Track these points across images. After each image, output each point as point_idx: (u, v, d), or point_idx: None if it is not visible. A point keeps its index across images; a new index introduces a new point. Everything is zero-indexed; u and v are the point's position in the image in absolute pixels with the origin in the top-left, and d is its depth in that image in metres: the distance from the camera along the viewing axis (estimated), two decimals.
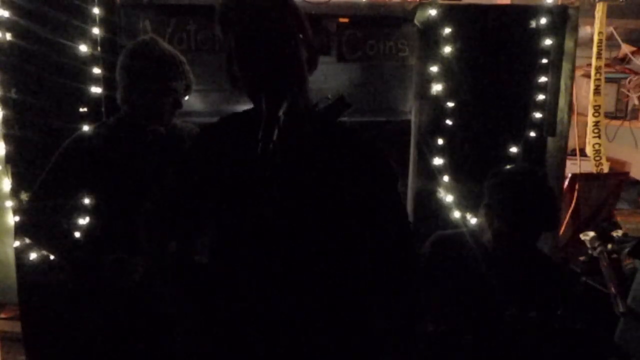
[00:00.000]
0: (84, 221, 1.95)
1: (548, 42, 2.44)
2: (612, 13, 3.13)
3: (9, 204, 2.22)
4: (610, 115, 3.50)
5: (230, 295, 1.34)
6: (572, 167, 3.11)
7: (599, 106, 3.15)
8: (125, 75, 1.81)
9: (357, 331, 1.36)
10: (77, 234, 1.94)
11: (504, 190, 1.79)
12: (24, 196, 2.11)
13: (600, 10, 3.02)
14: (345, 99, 1.34)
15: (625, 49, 3.45)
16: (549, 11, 2.42)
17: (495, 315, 1.75)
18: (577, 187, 2.93)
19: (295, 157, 1.26)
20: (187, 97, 1.92)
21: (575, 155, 3.19)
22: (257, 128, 1.17)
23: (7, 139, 2.18)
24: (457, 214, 2.39)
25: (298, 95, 1.25)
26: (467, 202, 2.35)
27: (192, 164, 1.40)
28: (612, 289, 2.15)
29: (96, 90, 2.16)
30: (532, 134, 2.49)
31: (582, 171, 3.13)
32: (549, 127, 2.52)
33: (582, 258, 2.58)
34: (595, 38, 3.07)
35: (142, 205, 1.46)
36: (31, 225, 1.87)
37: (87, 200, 1.89)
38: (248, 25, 1.19)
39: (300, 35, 1.24)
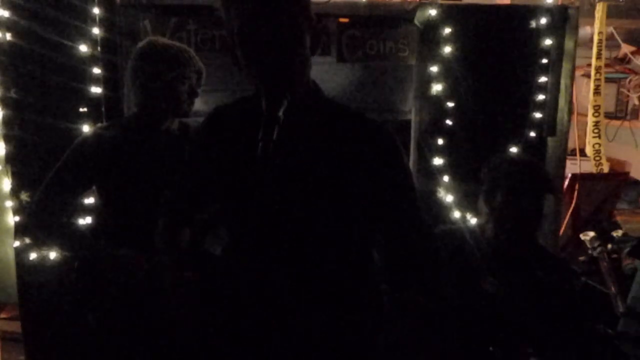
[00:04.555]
0: (93, 218, 1.96)
1: (548, 42, 2.44)
2: (612, 13, 3.13)
3: (9, 204, 2.23)
4: (610, 115, 3.51)
5: (237, 288, 1.34)
6: (572, 167, 3.11)
7: (599, 106, 3.16)
8: (139, 74, 1.85)
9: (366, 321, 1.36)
10: (86, 231, 1.95)
11: (498, 170, 1.86)
12: (24, 196, 2.11)
13: (600, 10, 3.02)
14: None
15: (625, 49, 3.46)
16: (549, 11, 2.42)
17: (497, 307, 1.77)
18: (577, 187, 2.93)
19: (297, 154, 1.26)
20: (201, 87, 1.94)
21: (575, 155, 3.19)
22: (254, 119, 1.17)
23: (7, 139, 2.18)
24: (457, 214, 2.39)
25: (300, 83, 1.24)
26: (467, 202, 2.35)
27: (198, 151, 1.41)
28: (612, 289, 2.15)
29: (96, 90, 2.16)
30: (532, 134, 2.49)
31: (582, 171, 3.13)
32: (549, 127, 2.51)
33: (582, 258, 2.58)
34: (595, 38, 3.08)
35: (154, 203, 1.48)
36: (41, 222, 1.87)
37: (97, 198, 1.91)
38: (252, 7, 1.18)
39: (304, 20, 1.21)
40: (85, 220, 1.97)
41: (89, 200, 1.98)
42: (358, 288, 1.36)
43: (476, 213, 2.03)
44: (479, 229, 1.93)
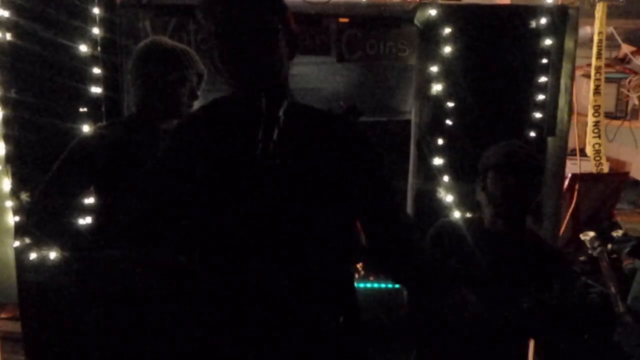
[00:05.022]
0: (92, 218, 1.96)
1: (548, 42, 2.44)
2: (612, 13, 3.13)
3: (9, 204, 2.23)
4: (610, 115, 3.50)
5: (230, 296, 1.34)
6: (572, 167, 3.11)
7: (599, 106, 3.16)
8: (140, 73, 1.85)
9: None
10: (85, 231, 1.95)
11: (491, 156, 1.89)
12: (24, 196, 2.12)
13: (600, 10, 3.02)
14: (357, 108, 1.37)
15: (625, 49, 3.46)
16: (549, 11, 2.42)
17: (498, 296, 1.78)
18: (577, 187, 2.93)
19: (294, 156, 1.26)
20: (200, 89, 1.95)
21: (575, 155, 3.19)
22: (244, 119, 1.17)
23: (7, 139, 2.18)
24: (457, 214, 2.39)
25: (275, 81, 1.26)
26: (467, 202, 2.35)
27: (176, 159, 1.37)
28: (612, 289, 2.15)
29: (96, 90, 2.16)
30: (532, 134, 2.49)
31: (582, 171, 3.13)
32: (549, 127, 2.51)
33: (582, 258, 2.58)
34: (595, 38, 3.08)
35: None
36: (40, 222, 1.87)
37: (95, 198, 1.91)
38: (228, 14, 1.21)
39: (281, 26, 1.25)
40: (85, 220, 1.97)
41: (89, 200, 1.97)
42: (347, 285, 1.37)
43: (476, 208, 2.05)
44: (479, 221, 1.96)
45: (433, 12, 2.34)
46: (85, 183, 1.87)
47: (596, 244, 2.46)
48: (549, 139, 2.54)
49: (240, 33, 1.20)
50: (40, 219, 1.84)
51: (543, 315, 1.73)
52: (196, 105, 1.98)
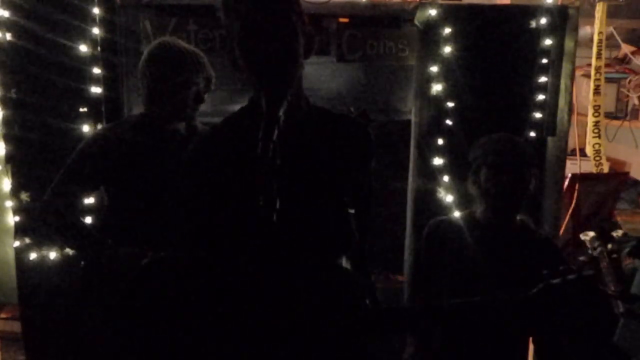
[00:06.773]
0: (101, 217, 1.97)
1: (548, 42, 2.44)
2: (612, 13, 3.13)
3: (9, 204, 2.23)
4: (610, 115, 3.50)
5: (230, 295, 1.34)
6: (572, 167, 3.11)
7: (599, 106, 3.15)
8: (148, 74, 1.85)
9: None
10: (95, 230, 1.95)
11: (478, 148, 1.91)
12: (24, 196, 2.12)
13: (600, 10, 3.02)
14: (367, 114, 1.38)
15: (625, 49, 3.45)
16: (549, 11, 2.42)
17: (493, 289, 1.78)
18: (577, 187, 2.93)
19: (295, 155, 1.26)
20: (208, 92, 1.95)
21: (575, 155, 3.19)
22: (257, 126, 1.18)
23: (7, 139, 2.19)
24: (457, 214, 2.39)
25: (294, 82, 1.28)
26: (467, 202, 2.35)
27: (194, 170, 1.40)
28: (612, 289, 2.15)
29: (96, 90, 2.16)
30: (532, 134, 2.49)
31: (582, 171, 3.12)
32: (549, 127, 2.51)
33: (582, 258, 2.58)
34: (595, 38, 3.07)
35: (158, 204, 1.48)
36: (51, 221, 1.87)
37: (104, 197, 1.91)
38: (253, 11, 1.22)
39: (300, 24, 1.27)
40: (94, 219, 1.98)
41: (94, 200, 1.98)
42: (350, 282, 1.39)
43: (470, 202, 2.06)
44: (470, 216, 1.96)
45: (433, 12, 2.34)
46: (95, 182, 1.87)
47: (596, 244, 2.46)
48: (549, 139, 2.54)
49: (265, 30, 1.22)
50: (52, 218, 1.84)
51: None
52: (202, 108, 1.98)
